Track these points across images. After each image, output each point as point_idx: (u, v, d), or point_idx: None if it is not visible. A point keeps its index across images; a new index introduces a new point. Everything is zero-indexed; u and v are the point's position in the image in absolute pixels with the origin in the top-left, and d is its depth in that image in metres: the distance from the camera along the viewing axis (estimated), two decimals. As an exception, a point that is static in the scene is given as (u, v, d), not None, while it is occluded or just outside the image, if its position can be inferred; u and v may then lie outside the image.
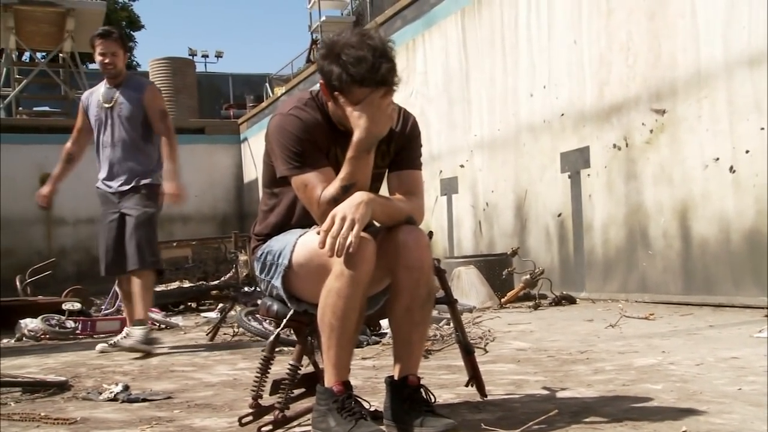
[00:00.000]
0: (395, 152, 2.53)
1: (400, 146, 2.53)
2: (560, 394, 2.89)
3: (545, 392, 2.96)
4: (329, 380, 2.26)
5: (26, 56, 20.58)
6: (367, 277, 2.20)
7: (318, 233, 2.20)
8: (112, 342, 5.02)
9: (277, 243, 2.47)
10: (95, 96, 5.23)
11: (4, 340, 6.18)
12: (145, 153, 5.14)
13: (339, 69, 2.25)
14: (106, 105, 5.13)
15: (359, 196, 2.23)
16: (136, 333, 4.85)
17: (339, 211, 2.19)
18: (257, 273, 2.55)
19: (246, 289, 6.96)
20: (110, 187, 5.15)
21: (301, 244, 2.36)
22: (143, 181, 5.08)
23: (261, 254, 2.51)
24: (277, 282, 2.42)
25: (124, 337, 4.90)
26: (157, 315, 7.10)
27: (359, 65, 2.23)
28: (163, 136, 5.13)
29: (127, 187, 5.08)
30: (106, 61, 5.10)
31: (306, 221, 2.45)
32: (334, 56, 2.28)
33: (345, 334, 2.23)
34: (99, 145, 5.20)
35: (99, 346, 5.09)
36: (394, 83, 2.31)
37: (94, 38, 5.13)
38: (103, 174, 5.19)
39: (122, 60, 5.18)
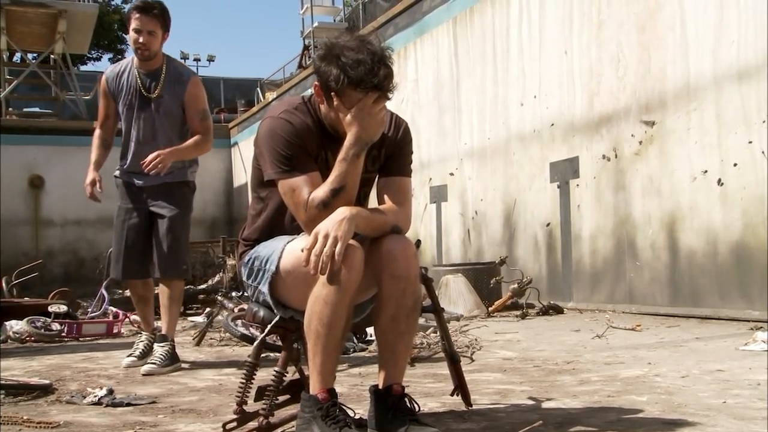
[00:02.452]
0: (386, 157, 2.53)
1: (391, 152, 2.53)
2: (546, 405, 2.90)
3: (531, 402, 2.96)
4: (314, 387, 2.26)
5: (17, 57, 20.49)
6: (354, 284, 2.20)
7: (302, 250, 2.19)
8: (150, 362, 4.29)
9: (264, 248, 2.46)
10: (127, 79, 4.49)
11: (-11, 342, 6.14)
12: None
13: (337, 70, 2.26)
14: (146, 94, 4.44)
15: (342, 212, 2.22)
16: (158, 352, 4.27)
17: (321, 228, 2.19)
18: (244, 278, 2.54)
19: (233, 293, 6.94)
20: (137, 181, 4.50)
21: (288, 251, 2.35)
22: (177, 179, 4.48)
23: (248, 259, 2.51)
24: (264, 288, 2.41)
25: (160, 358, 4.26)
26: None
27: (358, 68, 2.25)
28: (201, 135, 4.45)
29: (158, 182, 4.44)
30: (141, 40, 4.32)
31: (294, 226, 2.45)
32: (332, 57, 2.29)
33: (331, 341, 2.22)
34: (128, 135, 4.53)
35: (145, 368, 4.20)
36: (390, 89, 2.33)
37: (131, 11, 4.38)
38: (128, 166, 4.53)
39: (159, 42, 4.39)
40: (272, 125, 2.40)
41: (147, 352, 4.49)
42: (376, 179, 2.56)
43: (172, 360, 4.28)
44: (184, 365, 4.38)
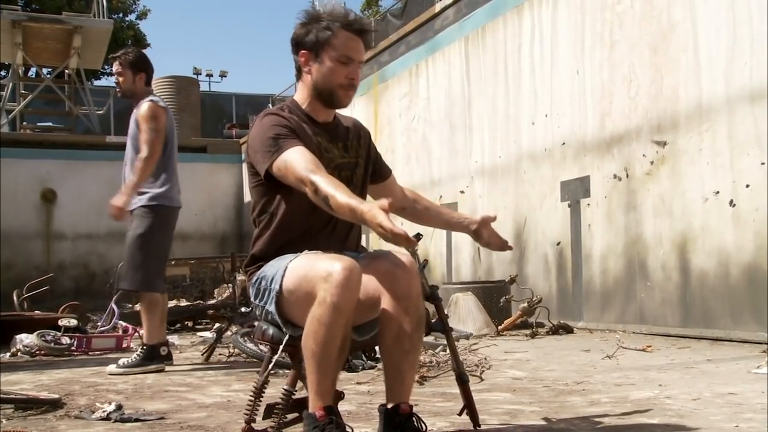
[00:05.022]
0: (367, 157, 2.68)
1: (372, 152, 2.72)
2: (555, 426, 2.88)
3: (540, 423, 2.94)
4: (312, 405, 2.26)
5: (32, 72, 20.68)
6: (350, 304, 2.20)
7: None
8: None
9: (270, 268, 2.47)
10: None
11: (-1, 355, 6.16)
12: None
13: (325, 22, 2.46)
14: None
15: None
16: (132, 356, 5.09)
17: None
18: (253, 299, 2.55)
19: (242, 309, 6.94)
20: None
21: (290, 270, 2.36)
22: (137, 203, 5.04)
23: (256, 279, 2.52)
24: (271, 307, 2.41)
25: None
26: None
27: (345, 16, 2.48)
28: (142, 151, 4.95)
29: (132, 207, 5.03)
30: (119, 80, 5.21)
31: (303, 236, 2.48)
32: (314, 18, 2.49)
33: (326, 360, 2.22)
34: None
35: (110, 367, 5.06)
36: (371, 41, 2.56)
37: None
38: None
39: (127, 80, 5.17)
40: (258, 122, 2.52)
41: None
42: (373, 185, 2.76)
43: (136, 366, 4.92)
44: (191, 380, 4.39)
